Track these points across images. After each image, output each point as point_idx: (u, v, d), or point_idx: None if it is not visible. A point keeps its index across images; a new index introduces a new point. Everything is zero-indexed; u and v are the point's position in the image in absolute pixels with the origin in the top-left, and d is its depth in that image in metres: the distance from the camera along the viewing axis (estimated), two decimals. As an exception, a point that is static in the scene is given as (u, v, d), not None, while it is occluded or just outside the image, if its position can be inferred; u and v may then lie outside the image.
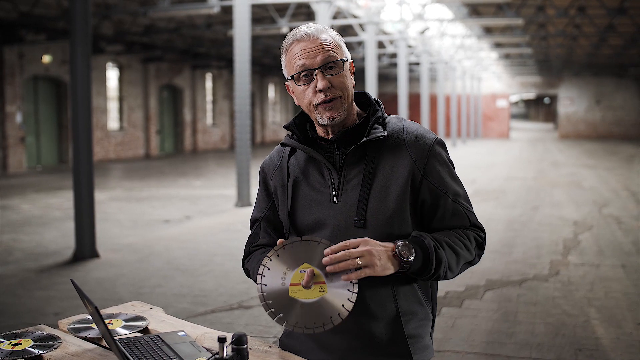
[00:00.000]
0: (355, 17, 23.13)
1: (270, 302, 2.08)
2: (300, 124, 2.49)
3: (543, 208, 13.36)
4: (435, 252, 2.19)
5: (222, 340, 2.01)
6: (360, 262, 2.06)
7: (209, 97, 38.34)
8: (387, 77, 46.40)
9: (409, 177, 2.30)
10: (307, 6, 22.10)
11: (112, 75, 30.32)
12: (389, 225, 2.28)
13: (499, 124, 52.51)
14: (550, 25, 27.85)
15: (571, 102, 51.47)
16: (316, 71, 2.30)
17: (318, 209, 2.38)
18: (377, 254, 2.10)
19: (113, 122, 30.45)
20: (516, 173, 21.39)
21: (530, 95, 73.34)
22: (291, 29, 17.60)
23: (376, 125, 2.36)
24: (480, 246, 2.39)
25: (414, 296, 2.36)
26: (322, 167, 2.40)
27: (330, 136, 2.38)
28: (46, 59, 25.01)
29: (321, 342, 2.35)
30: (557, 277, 7.80)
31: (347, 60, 2.39)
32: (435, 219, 2.36)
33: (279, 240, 2.15)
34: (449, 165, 2.40)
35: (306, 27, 2.36)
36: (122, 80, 30.78)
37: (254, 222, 2.62)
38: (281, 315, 2.07)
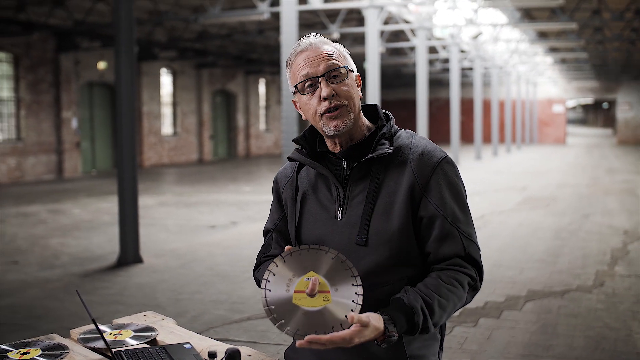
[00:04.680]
0: (406, 22, 23.05)
1: (273, 307, 2.05)
2: (310, 137, 2.46)
3: (594, 216, 13.10)
4: (422, 326, 2.09)
5: (212, 355, 2.00)
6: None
7: (262, 102, 38.59)
8: (440, 82, 46.08)
9: (409, 193, 2.25)
10: (358, 12, 22.09)
11: (166, 81, 30.69)
12: (392, 243, 2.24)
13: (555, 129, 51.74)
14: (606, 29, 27.34)
15: (630, 107, 50.42)
16: (320, 79, 2.27)
17: (322, 225, 2.35)
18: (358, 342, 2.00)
19: (167, 128, 30.81)
20: (569, 180, 21.03)
21: (588, 100, 72.20)
22: (342, 35, 17.67)
23: (383, 141, 2.31)
24: (474, 288, 2.27)
25: None
26: (330, 183, 2.37)
27: (338, 149, 2.36)
28: (101, 65, 25.46)
29: (323, 357, 2.32)
30: (602, 288, 7.63)
31: (351, 71, 2.35)
32: (430, 240, 2.26)
33: (287, 247, 2.13)
34: (455, 186, 2.31)
35: (309, 38, 2.35)
36: (176, 86, 31.16)
37: (266, 232, 2.61)
38: (282, 321, 2.04)
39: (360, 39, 26.60)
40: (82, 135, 25.11)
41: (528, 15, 24.98)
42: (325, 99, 2.26)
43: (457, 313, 6.58)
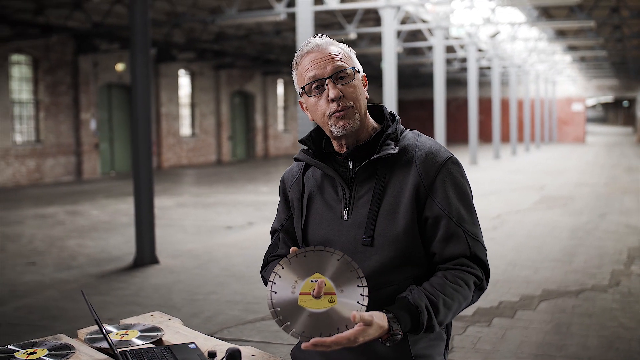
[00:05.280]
0: (424, 21, 23.01)
1: (279, 309, 2.07)
2: (317, 137, 2.47)
3: (611, 215, 13.02)
4: (427, 325, 2.10)
5: (212, 355, 2.02)
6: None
7: (280, 103, 38.65)
8: (459, 81, 45.99)
9: (415, 194, 2.25)
10: (375, 12, 22.08)
11: (184, 82, 30.82)
12: (398, 244, 2.25)
13: (575, 128, 51.46)
14: (625, 27, 27.18)
15: (650, 105, 50.08)
16: (327, 80, 2.28)
17: (328, 226, 2.37)
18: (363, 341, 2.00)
19: (185, 129, 30.94)
20: (587, 179, 20.92)
21: (608, 98, 71.73)
22: (359, 35, 17.65)
23: (388, 142, 2.32)
24: (480, 287, 2.26)
25: None
26: (336, 183, 2.38)
27: (344, 150, 2.37)
28: (119, 67, 25.61)
29: (329, 357, 2.33)
30: (617, 288, 7.58)
31: (358, 71, 2.36)
32: (435, 240, 2.27)
33: (292, 249, 2.14)
34: (461, 186, 2.31)
35: (315, 39, 2.35)
36: (194, 87, 31.29)
37: (273, 232, 2.63)
38: (288, 323, 2.06)
39: (377, 39, 26.59)
40: (101, 136, 25.27)
41: (546, 13, 24.87)
42: (333, 100, 2.27)
43: (470, 312, 6.58)
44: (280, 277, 2.10)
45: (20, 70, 22.57)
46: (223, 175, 24.67)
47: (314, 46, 2.33)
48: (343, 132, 2.29)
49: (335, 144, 2.39)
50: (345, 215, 2.33)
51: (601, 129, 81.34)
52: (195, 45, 27.49)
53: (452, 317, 2.22)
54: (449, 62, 35.74)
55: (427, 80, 39.60)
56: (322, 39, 2.35)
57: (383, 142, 2.32)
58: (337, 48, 2.34)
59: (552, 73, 45.41)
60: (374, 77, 34.15)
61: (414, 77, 44.12)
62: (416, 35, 28.84)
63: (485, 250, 2.31)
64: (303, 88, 2.34)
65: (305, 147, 2.46)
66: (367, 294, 2.05)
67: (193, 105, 31.35)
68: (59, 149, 23.45)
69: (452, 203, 2.26)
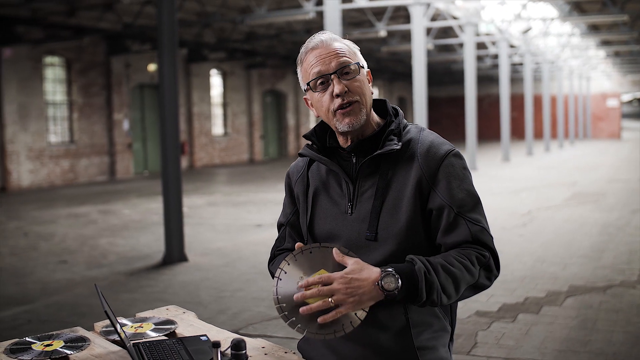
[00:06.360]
0: (454, 18, 22.92)
1: (284, 305, 2.10)
2: (320, 132, 2.48)
3: (643, 211, 12.90)
4: (425, 278, 2.09)
5: (216, 345, 2.05)
6: (332, 302, 2.03)
7: (312, 101, 38.66)
8: (491, 78, 45.67)
9: (417, 188, 2.26)
10: (404, 9, 22.02)
11: (216, 82, 30.98)
12: (401, 238, 2.25)
13: (610, 124, 50.84)
14: (660, 21, 26.83)
15: (687, 100, 49.36)
16: (332, 76, 2.29)
17: (333, 220, 2.38)
18: (352, 290, 2.04)
19: (218, 128, 31.10)
20: (620, 175, 20.68)
21: (645, 93, 70.79)
22: (389, 32, 17.61)
23: (391, 137, 2.33)
24: (486, 267, 2.23)
25: (428, 308, 2.29)
26: (340, 178, 2.40)
27: (349, 144, 2.38)
28: (151, 67, 25.80)
29: (335, 350, 2.35)
30: (646, 283, 7.53)
31: (363, 67, 2.36)
32: (439, 232, 2.27)
33: (297, 245, 2.17)
34: (462, 178, 2.30)
35: (319, 35, 2.37)
36: (226, 87, 31.43)
37: (279, 226, 2.66)
38: (293, 319, 2.09)
39: (408, 36, 26.55)
40: (134, 136, 25.49)
41: (578, 8, 24.61)
42: (337, 95, 2.28)
43: (495, 308, 6.56)
44: (285, 272, 2.12)
45: (53, 72, 22.86)
46: (255, 174, 24.77)
47: (318, 42, 2.34)
48: (349, 128, 2.30)
49: (340, 138, 2.40)
50: (350, 210, 2.34)
51: (638, 124, 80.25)
52: (225, 45, 27.64)
53: (457, 287, 2.17)
54: (480, 58, 35.56)
55: (458, 77, 39.39)
56: (326, 35, 2.36)
57: (386, 138, 2.33)
58: (342, 44, 2.35)
59: (586, 68, 44.92)
60: (406, 74, 34.05)
61: (446, 74, 43.94)
62: (447, 32, 28.72)
63: (491, 237, 2.29)
64: (308, 84, 2.35)
65: (310, 142, 2.48)
66: None
67: (225, 105, 31.51)
68: (92, 150, 23.72)
69: (454, 194, 2.26)
